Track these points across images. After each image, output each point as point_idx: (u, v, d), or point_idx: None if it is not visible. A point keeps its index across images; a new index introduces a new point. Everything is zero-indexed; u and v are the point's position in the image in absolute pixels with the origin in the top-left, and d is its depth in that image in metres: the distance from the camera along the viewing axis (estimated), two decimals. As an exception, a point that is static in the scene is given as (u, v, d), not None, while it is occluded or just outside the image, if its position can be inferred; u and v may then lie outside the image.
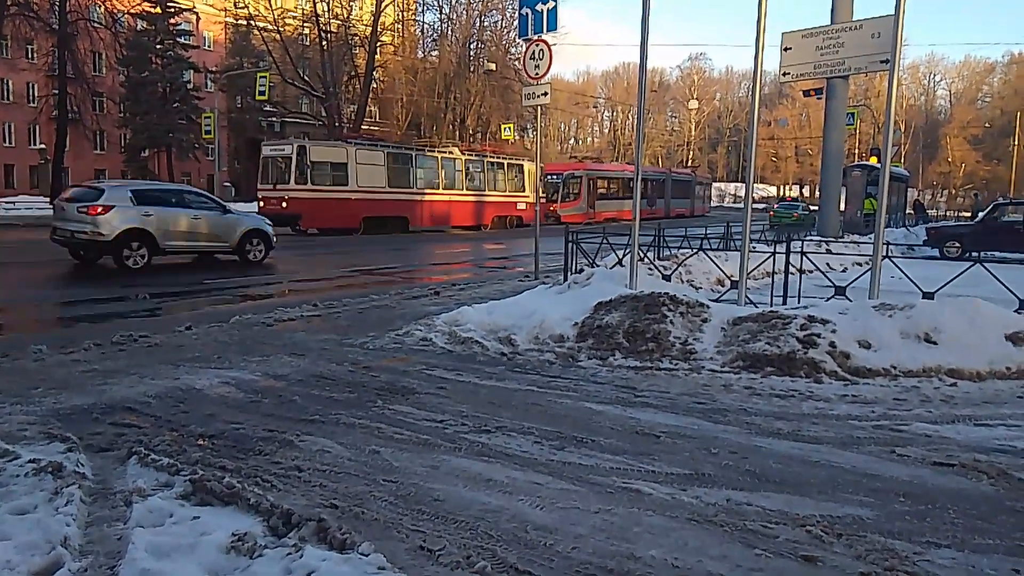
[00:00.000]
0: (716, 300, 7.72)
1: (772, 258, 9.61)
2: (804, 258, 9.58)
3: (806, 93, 34.70)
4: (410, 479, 3.61)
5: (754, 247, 8.75)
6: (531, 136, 54.64)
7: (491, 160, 31.36)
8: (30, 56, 39.51)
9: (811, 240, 13.99)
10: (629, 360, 6.21)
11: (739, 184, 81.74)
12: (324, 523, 2.93)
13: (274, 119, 43.29)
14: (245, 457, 3.87)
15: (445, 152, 29.83)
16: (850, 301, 7.31)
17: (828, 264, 11.68)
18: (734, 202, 74.97)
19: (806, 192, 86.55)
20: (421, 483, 3.56)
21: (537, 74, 12.41)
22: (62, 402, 4.84)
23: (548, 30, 12.08)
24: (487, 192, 30.68)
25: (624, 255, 9.48)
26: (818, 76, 10.83)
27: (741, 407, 5.02)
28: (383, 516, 3.18)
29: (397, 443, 4.16)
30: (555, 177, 36.28)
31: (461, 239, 25.28)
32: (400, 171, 26.82)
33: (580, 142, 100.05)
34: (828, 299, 7.67)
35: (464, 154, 30.23)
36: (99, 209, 12.24)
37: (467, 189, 29.64)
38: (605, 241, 11.19)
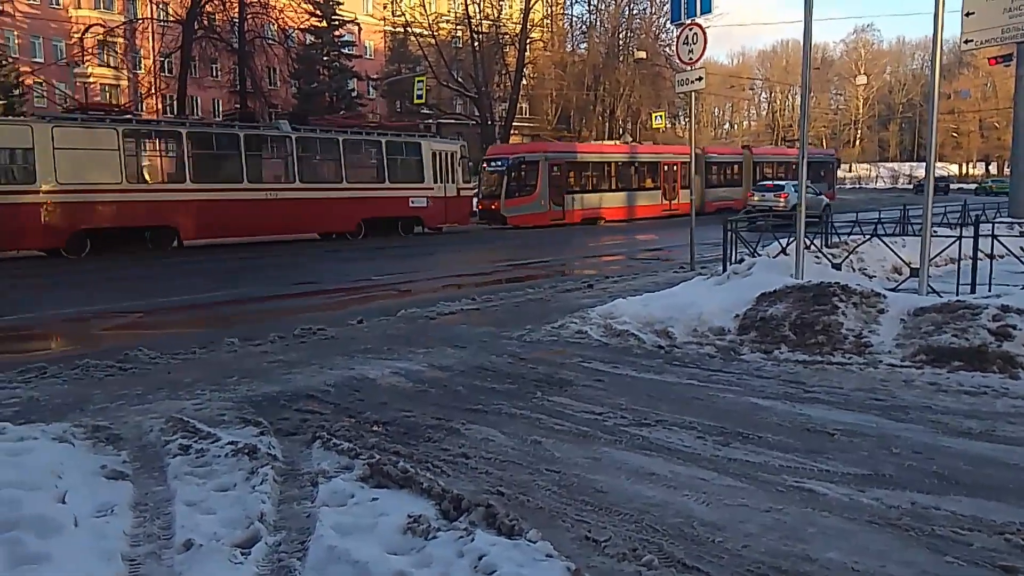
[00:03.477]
0: (893, 289, 7.19)
1: (958, 243, 8.81)
2: (995, 242, 8.71)
3: (999, 60, 30.77)
4: (572, 470, 3.65)
5: (935, 231, 8.05)
6: (683, 123, 53.26)
7: (358, 139, 22.05)
8: (214, 74, 43.43)
9: (1002, 222, 12.67)
10: (796, 354, 5.92)
11: (915, 164, 75.28)
12: (492, 509, 3.03)
13: (431, 121, 44.89)
14: (416, 443, 4.07)
15: (254, 128, 21.14)
16: (1052, 288, 6.56)
17: (1022, 248, 10.54)
18: (909, 183, 69.20)
19: (992, 169, 78.39)
20: (583, 474, 3.59)
21: (691, 59, 12.06)
22: (254, 389, 5.31)
23: (702, 12, 11.74)
24: (348, 184, 21.28)
25: (788, 243, 9.04)
26: (1007, 41, 9.74)
27: (925, 404, 4.66)
28: (548, 505, 3.24)
29: (557, 434, 4.22)
30: (498, 163, 26.47)
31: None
32: (157, 158, 18.76)
33: (735, 126, 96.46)
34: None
35: (297, 130, 20.81)
36: (783, 195, 25.92)
37: (305, 181, 20.50)
38: (767, 229, 10.75)
